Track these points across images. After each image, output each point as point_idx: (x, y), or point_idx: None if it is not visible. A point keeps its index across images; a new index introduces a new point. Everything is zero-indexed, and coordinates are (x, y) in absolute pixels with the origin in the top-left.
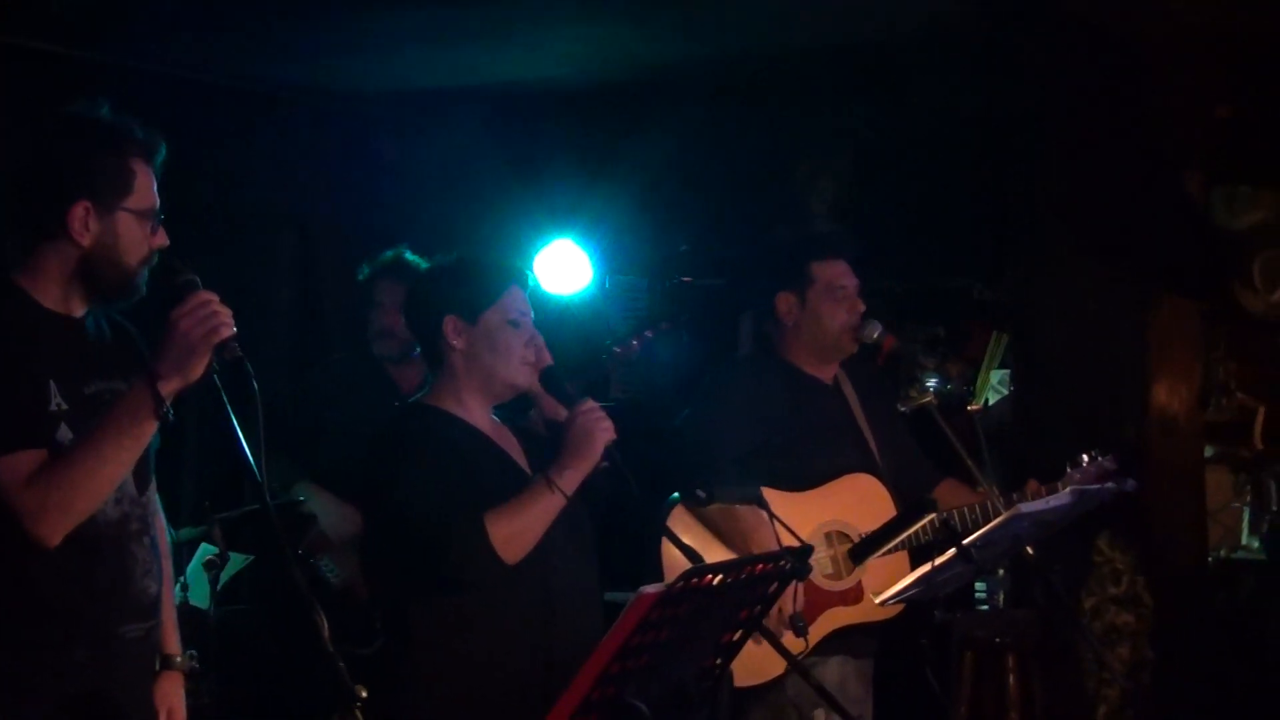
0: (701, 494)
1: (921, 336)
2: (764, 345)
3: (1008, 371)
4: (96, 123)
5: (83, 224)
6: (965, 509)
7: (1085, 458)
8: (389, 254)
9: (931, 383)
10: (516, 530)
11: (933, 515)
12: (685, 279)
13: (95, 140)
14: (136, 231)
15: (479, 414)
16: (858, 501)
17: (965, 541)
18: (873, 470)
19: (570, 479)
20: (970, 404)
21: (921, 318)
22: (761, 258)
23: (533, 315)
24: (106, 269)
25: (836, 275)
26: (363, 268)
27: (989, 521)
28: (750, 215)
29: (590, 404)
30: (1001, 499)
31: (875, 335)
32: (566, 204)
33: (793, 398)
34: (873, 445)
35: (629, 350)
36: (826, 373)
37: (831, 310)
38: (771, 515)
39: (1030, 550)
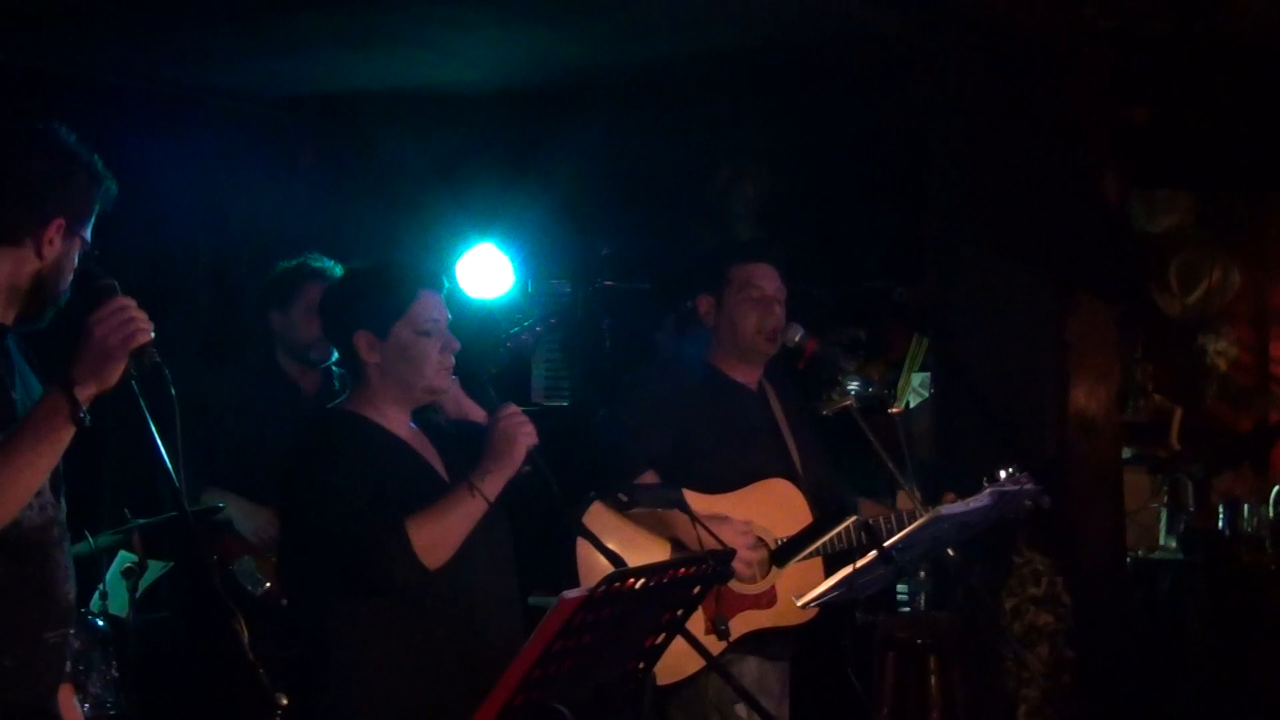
0: (623, 497)
1: (843, 339)
2: (687, 348)
3: (929, 374)
4: (77, 146)
5: (51, 241)
6: (883, 517)
7: (1003, 473)
8: (309, 259)
9: (853, 385)
10: (438, 535)
11: (854, 519)
12: (608, 282)
13: (79, 163)
14: (75, 253)
15: (398, 421)
16: (775, 507)
17: (887, 544)
18: (792, 478)
19: (492, 483)
20: (891, 406)
21: (843, 321)
22: (684, 261)
23: (448, 316)
24: (51, 287)
25: (752, 277)
26: (273, 273)
27: (908, 524)
28: (672, 219)
29: (512, 408)
30: (921, 501)
31: (797, 338)
32: (488, 208)
33: (713, 400)
34: (794, 454)
35: (520, 341)
36: (750, 377)
37: (744, 312)
38: (694, 518)
39: (951, 552)
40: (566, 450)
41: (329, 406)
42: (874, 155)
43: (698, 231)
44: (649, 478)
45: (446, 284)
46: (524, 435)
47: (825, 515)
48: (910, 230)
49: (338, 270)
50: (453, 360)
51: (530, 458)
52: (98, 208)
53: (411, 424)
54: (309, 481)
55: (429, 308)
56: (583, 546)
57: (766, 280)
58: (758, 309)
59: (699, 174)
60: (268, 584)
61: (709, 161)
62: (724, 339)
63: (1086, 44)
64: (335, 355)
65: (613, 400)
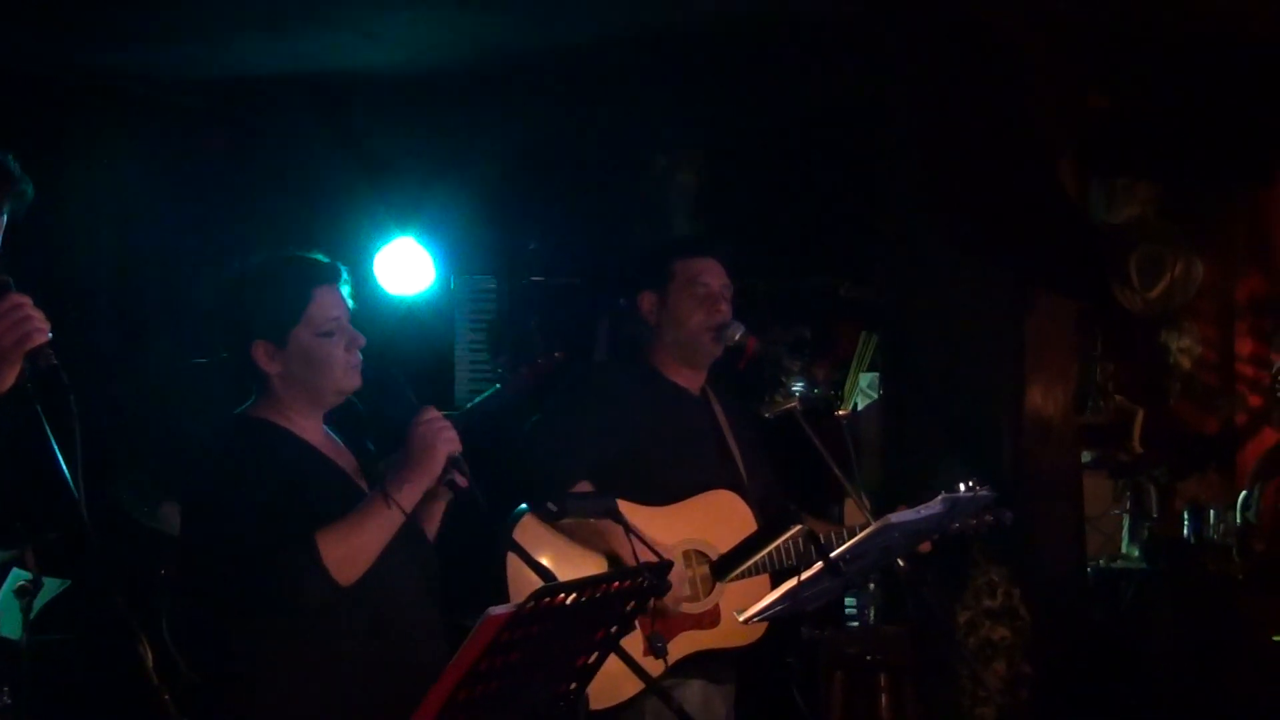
0: (552, 507)
1: (787, 338)
2: (625, 349)
3: (877, 374)
4: None
5: None
6: (833, 531)
7: (961, 487)
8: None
9: (797, 387)
10: (351, 549)
11: (799, 528)
12: (536, 278)
13: None
14: None
15: (309, 427)
16: (719, 520)
17: (833, 554)
18: (737, 488)
19: (409, 493)
20: (838, 409)
21: (786, 318)
22: (624, 255)
23: (350, 308)
24: None
25: (697, 271)
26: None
27: (856, 535)
28: (605, 212)
29: (431, 412)
30: (870, 509)
31: (738, 337)
32: (407, 200)
33: (654, 405)
34: (739, 462)
35: (541, 369)
36: (693, 381)
37: (690, 308)
38: (628, 529)
39: (902, 563)
40: (494, 458)
41: (236, 412)
42: (820, 143)
43: (633, 224)
44: (583, 487)
45: (343, 273)
46: (443, 441)
47: (769, 524)
48: (858, 222)
49: None
50: (359, 356)
51: (453, 465)
52: (7, 209)
53: (325, 428)
54: (211, 490)
55: (327, 306)
56: (513, 561)
57: (713, 276)
58: (704, 306)
59: (634, 163)
60: None
61: (644, 150)
62: (667, 339)
63: (1044, 27)
64: None
65: (545, 407)
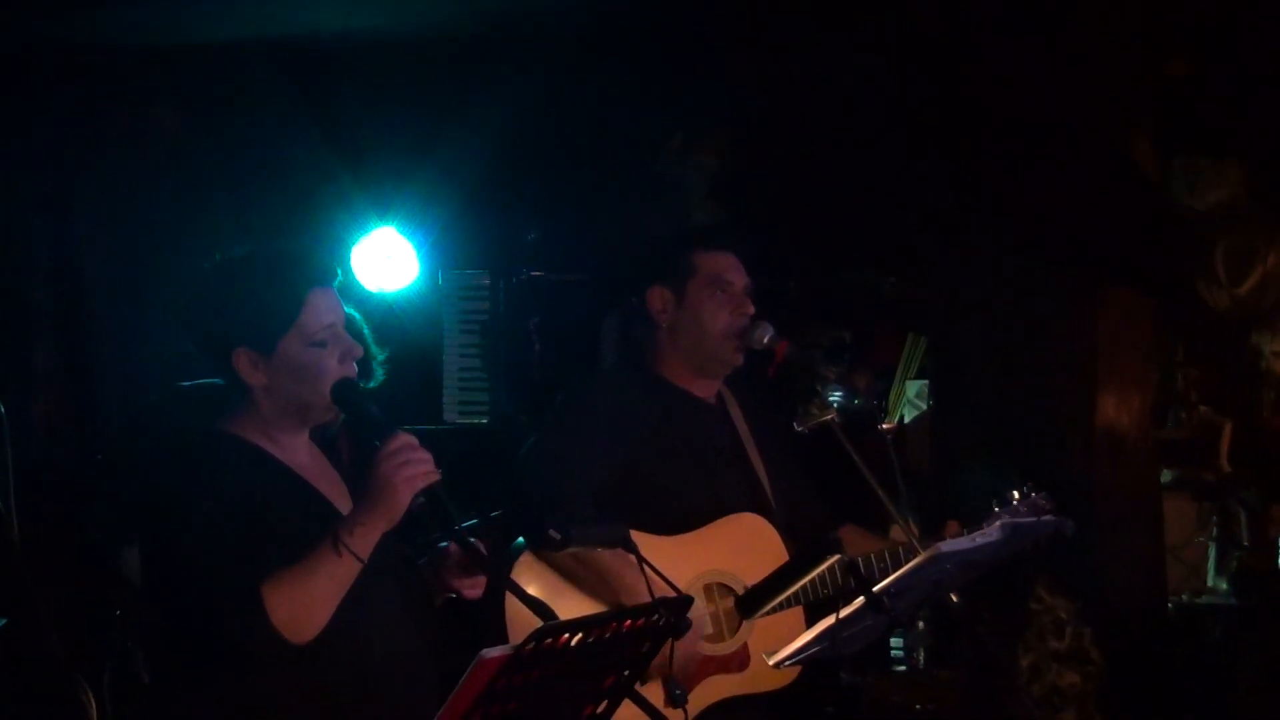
0: (555, 534)
1: (823, 341)
2: (631, 354)
3: (926, 382)
4: None
5: None
6: (874, 554)
7: (1016, 495)
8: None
9: (835, 397)
10: (300, 606)
11: (837, 558)
12: (535, 273)
13: None
14: None
15: (291, 444)
16: (743, 548)
17: (876, 588)
18: (762, 510)
19: (363, 537)
20: (882, 421)
21: (822, 319)
22: (632, 247)
23: (345, 313)
24: None
25: (722, 268)
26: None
27: (904, 565)
28: (614, 198)
29: (399, 441)
30: (918, 536)
31: (765, 340)
32: (388, 184)
33: (665, 419)
34: (763, 479)
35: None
36: (707, 389)
37: (713, 309)
38: (642, 561)
39: (955, 598)
40: (485, 481)
41: (208, 427)
42: (861, 118)
43: (645, 212)
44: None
45: (339, 274)
46: (404, 480)
47: (803, 554)
48: (904, 209)
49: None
50: (355, 369)
51: (430, 494)
52: None
53: (312, 444)
54: (164, 521)
55: (321, 311)
56: (513, 600)
57: (737, 272)
58: (729, 307)
59: (646, 142)
60: None
61: (659, 127)
62: (681, 342)
63: None
64: None
65: (544, 422)
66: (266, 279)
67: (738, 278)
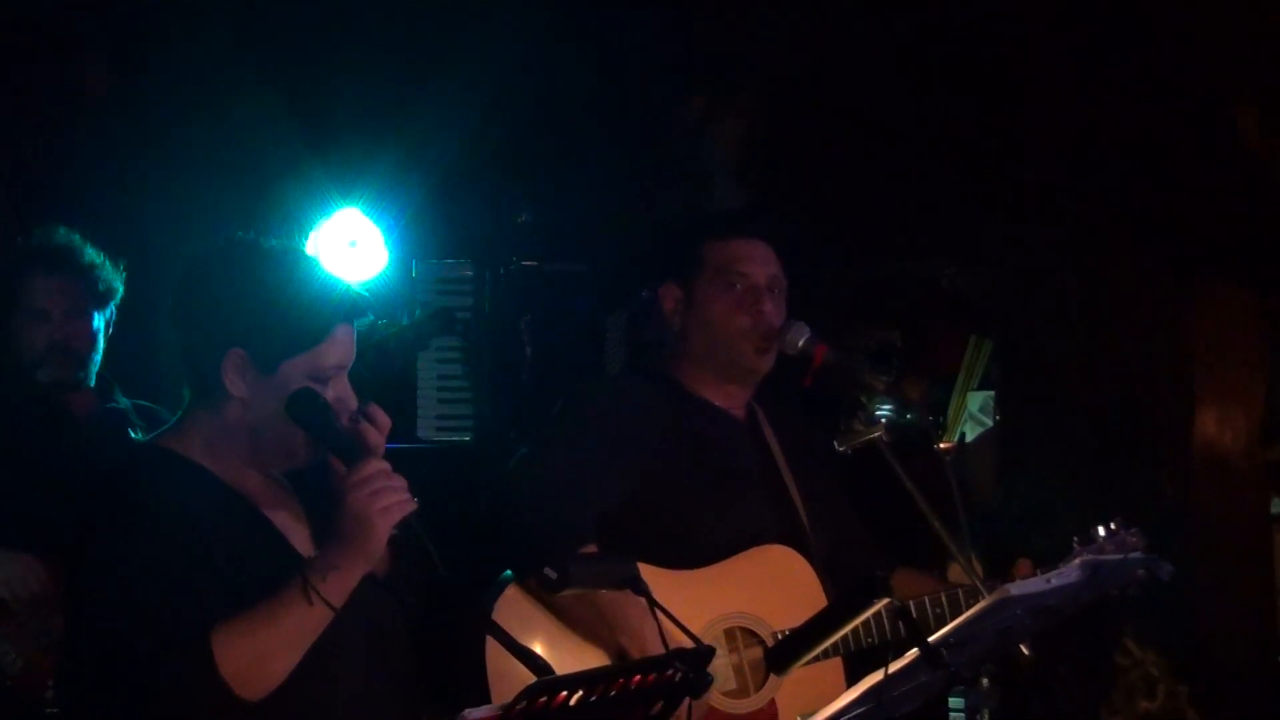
0: (551, 574)
1: (868, 344)
2: (642, 359)
3: (991, 394)
4: None
5: None
6: (929, 599)
7: (1100, 530)
8: (37, 236)
9: (883, 410)
10: (257, 658)
11: (886, 601)
12: (526, 263)
13: None
14: None
15: (239, 470)
16: (772, 586)
17: (933, 638)
18: (796, 543)
19: (338, 583)
20: (939, 440)
21: (868, 318)
22: (641, 234)
23: (353, 358)
24: None
25: (732, 257)
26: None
27: (965, 611)
28: (620, 174)
29: (369, 468)
30: (983, 577)
31: (800, 344)
32: (354, 158)
33: (683, 432)
34: (799, 507)
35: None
36: (734, 400)
37: (723, 307)
38: (653, 604)
39: (1026, 650)
40: (467, 509)
41: (143, 441)
42: (915, 81)
43: (658, 191)
44: (589, 549)
45: (369, 313)
46: (380, 513)
47: (845, 596)
48: (966, 189)
49: (82, 250)
50: (330, 405)
51: (405, 525)
52: None
53: (270, 473)
54: (90, 556)
55: (338, 349)
56: (494, 648)
57: (755, 263)
58: (741, 304)
59: (660, 108)
60: (21, 663)
61: (675, 88)
62: (695, 346)
63: None
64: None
65: (538, 435)
66: (304, 289)
67: (756, 269)
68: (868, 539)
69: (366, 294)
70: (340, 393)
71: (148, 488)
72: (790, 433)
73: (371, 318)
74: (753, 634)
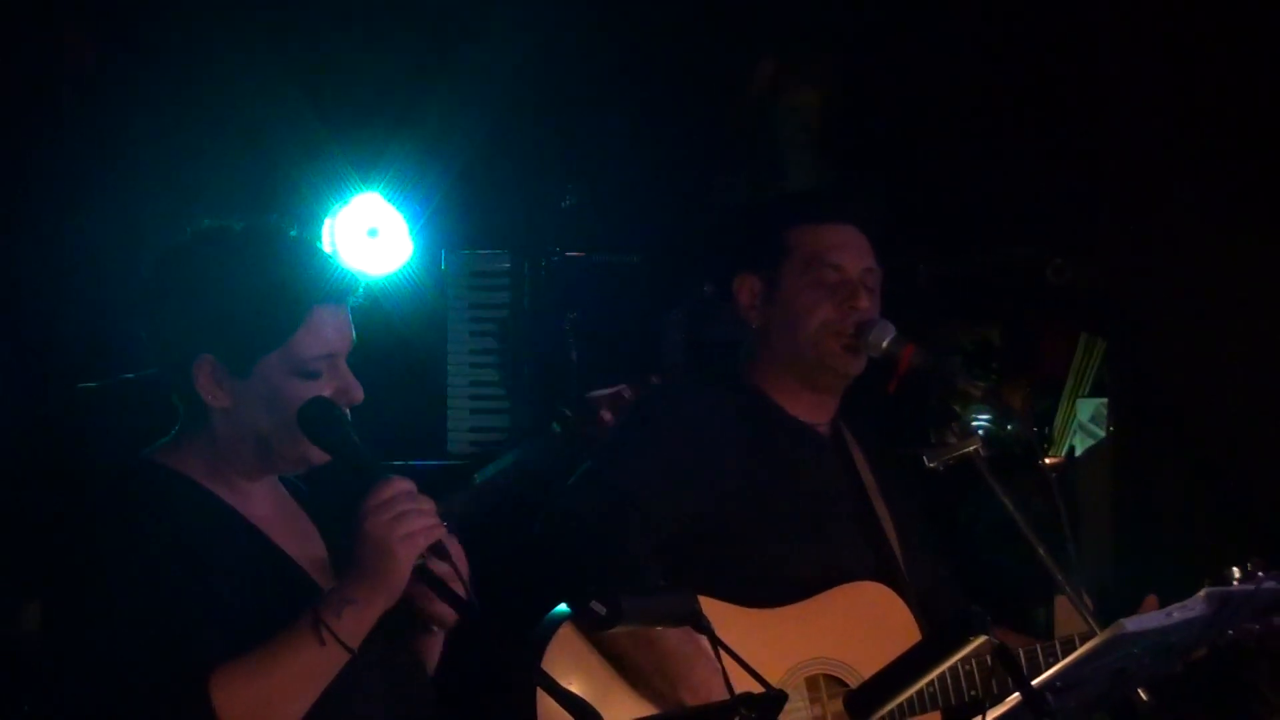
0: (600, 607)
1: (963, 345)
2: (708, 362)
3: (1104, 402)
4: None
5: None
6: (1041, 646)
7: (1236, 572)
8: None
9: (980, 420)
10: (259, 705)
11: (984, 639)
12: (571, 254)
13: None
14: None
15: (249, 490)
16: (864, 629)
17: (1037, 681)
18: (890, 580)
19: (355, 621)
20: (1044, 454)
21: (962, 315)
22: (702, 222)
23: (353, 340)
24: None
25: (823, 246)
26: None
27: (1075, 650)
28: (679, 150)
29: (390, 489)
30: (1092, 612)
31: (885, 344)
32: (375, 135)
33: (763, 450)
34: (893, 540)
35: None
36: (820, 413)
37: (812, 301)
38: (716, 642)
39: (1145, 696)
40: (507, 536)
41: (140, 455)
42: (1018, 45)
43: (722, 171)
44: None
45: (359, 289)
46: (401, 541)
47: (937, 635)
48: (1075, 169)
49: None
50: (348, 414)
51: (435, 550)
52: None
53: (280, 486)
54: (68, 587)
55: (322, 335)
56: (545, 699)
57: (849, 253)
58: (834, 298)
59: (724, 74)
60: None
61: (740, 54)
62: (777, 347)
63: None
64: None
65: (599, 448)
66: (262, 273)
67: (850, 259)
68: (955, 575)
69: (347, 269)
70: (340, 384)
71: (139, 509)
72: (877, 452)
73: (360, 291)
74: (840, 683)
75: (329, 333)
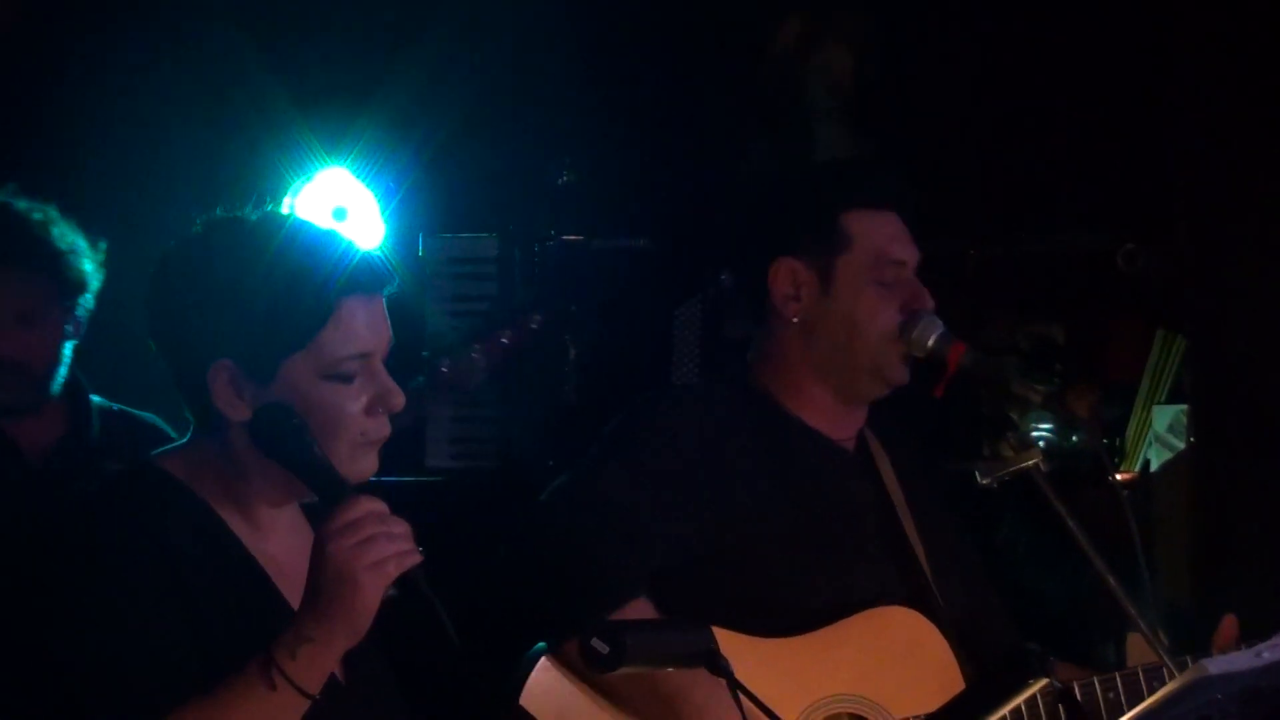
0: (601, 646)
1: (1020, 344)
2: (725, 363)
3: (1183, 409)
4: None
5: None
6: (1099, 681)
7: None
8: None
9: (1041, 430)
10: None
11: (1044, 682)
12: (568, 237)
13: None
14: None
15: (267, 520)
16: (894, 659)
17: None
18: (923, 605)
19: (311, 661)
20: (1115, 469)
21: (1022, 308)
22: (733, 196)
23: (390, 338)
24: None
25: (889, 238)
26: None
27: (1151, 692)
28: (692, 121)
29: (356, 509)
30: (1169, 650)
31: (931, 342)
32: (342, 103)
33: (779, 463)
34: (924, 564)
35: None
36: (845, 425)
37: (878, 302)
38: (735, 685)
39: None
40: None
41: (150, 458)
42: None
43: (740, 143)
44: (640, 608)
45: (394, 279)
46: (368, 570)
47: (993, 677)
48: (1149, 139)
49: (51, 219)
50: (388, 425)
51: (406, 583)
52: None
53: (303, 516)
54: (35, 599)
55: (352, 331)
56: None
57: (909, 246)
58: (898, 299)
59: (745, 31)
60: None
61: (761, 10)
62: (820, 348)
63: None
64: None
65: (581, 458)
66: (282, 264)
67: (911, 254)
68: (1001, 604)
69: (378, 257)
70: (378, 388)
71: (130, 521)
72: (907, 464)
73: (395, 282)
74: None
75: (361, 328)
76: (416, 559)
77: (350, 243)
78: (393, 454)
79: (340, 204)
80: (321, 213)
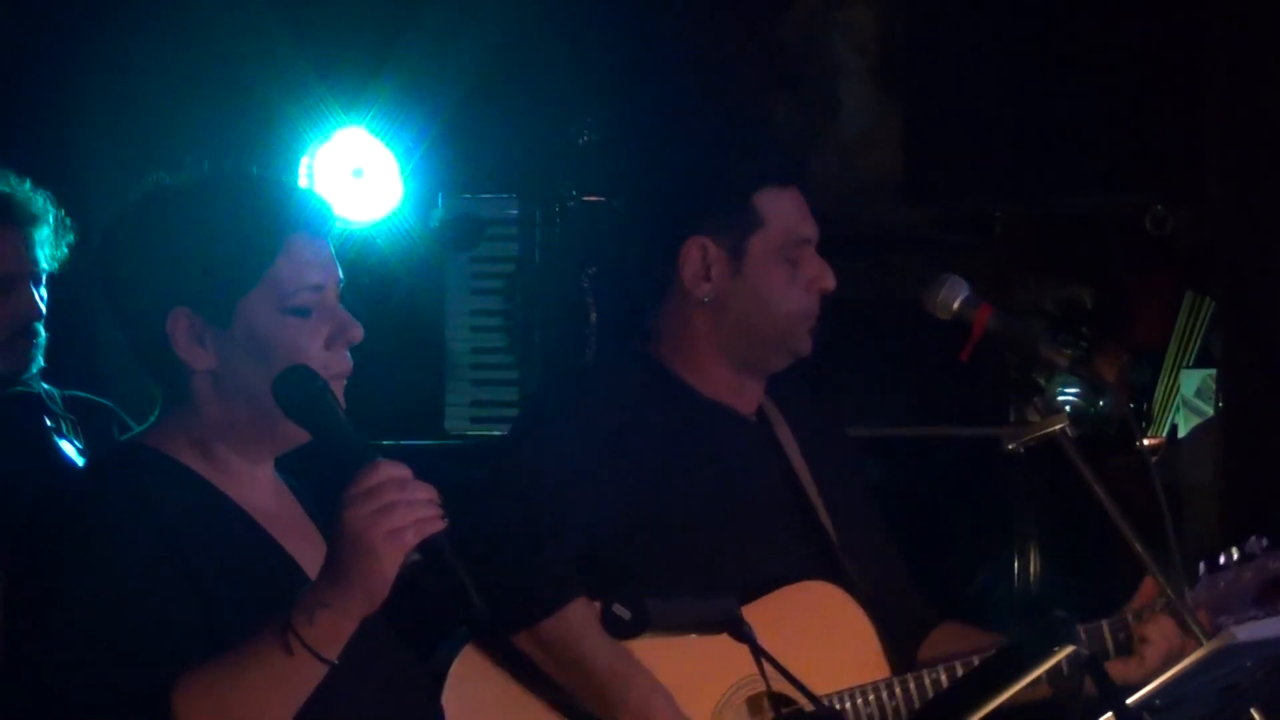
0: (623, 611)
1: (1047, 306)
2: (627, 339)
3: (1213, 373)
4: None
5: None
6: (1107, 623)
7: None
8: None
9: (1068, 394)
10: (224, 717)
11: (1071, 649)
12: (589, 198)
13: None
14: None
15: (247, 475)
16: (810, 635)
17: (1133, 699)
18: (833, 576)
19: (328, 627)
20: (1142, 435)
21: (1048, 271)
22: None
23: (340, 276)
24: None
25: (797, 216)
26: None
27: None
28: (713, 78)
29: (377, 474)
30: (1198, 618)
31: (957, 304)
32: (360, 62)
33: (687, 440)
34: (830, 531)
35: None
36: (748, 399)
37: (787, 280)
38: (759, 653)
39: (1259, 717)
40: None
41: (123, 440)
42: None
43: (763, 101)
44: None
45: (335, 220)
46: (386, 537)
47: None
48: (1178, 97)
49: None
50: (349, 360)
51: (432, 548)
52: None
53: (276, 475)
54: (33, 593)
55: (304, 266)
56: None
57: (812, 222)
58: (808, 279)
59: None
60: None
61: None
62: (727, 327)
63: None
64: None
65: (502, 441)
66: (230, 208)
67: (814, 230)
68: (909, 576)
69: (320, 199)
70: (336, 322)
71: (120, 496)
72: (809, 431)
73: (336, 221)
74: (788, 700)
75: (311, 262)
76: (438, 526)
77: (295, 186)
78: (413, 417)
79: (358, 164)
80: (341, 172)
